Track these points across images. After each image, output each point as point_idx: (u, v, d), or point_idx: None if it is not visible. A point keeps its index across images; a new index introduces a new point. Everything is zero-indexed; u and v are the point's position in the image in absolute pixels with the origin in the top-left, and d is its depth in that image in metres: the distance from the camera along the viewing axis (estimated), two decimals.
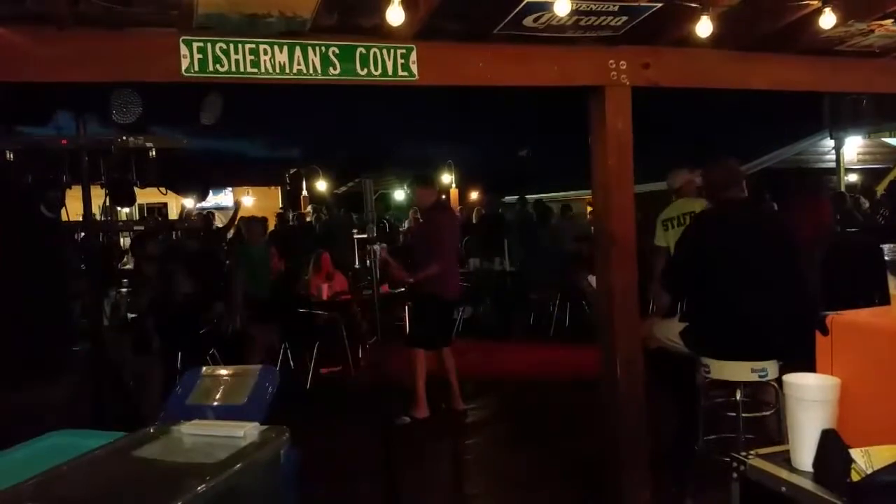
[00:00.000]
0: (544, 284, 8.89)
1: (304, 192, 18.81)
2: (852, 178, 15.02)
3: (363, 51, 3.29)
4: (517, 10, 3.17)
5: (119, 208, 6.87)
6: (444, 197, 6.28)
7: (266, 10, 2.93)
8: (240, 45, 3.10)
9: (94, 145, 4.35)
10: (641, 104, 3.81)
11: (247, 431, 1.78)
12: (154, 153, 4.56)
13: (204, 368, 2.84)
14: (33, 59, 2.90)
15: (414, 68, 3.37)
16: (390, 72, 3.34)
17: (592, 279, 4.45)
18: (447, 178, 19.66)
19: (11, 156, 4.13)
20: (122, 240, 10.31)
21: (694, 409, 3.62)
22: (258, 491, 1.71)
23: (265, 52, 3.13)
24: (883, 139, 14.76)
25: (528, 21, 3.29)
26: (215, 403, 2.57)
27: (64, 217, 4.16)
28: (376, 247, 3.42)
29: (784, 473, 1.59)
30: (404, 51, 3.35)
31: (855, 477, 1.41)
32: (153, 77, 3.31)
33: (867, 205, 10.00)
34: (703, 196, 4.61)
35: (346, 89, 3.42)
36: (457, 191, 19.95)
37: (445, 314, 5.72)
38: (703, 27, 3.37)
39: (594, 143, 3.86)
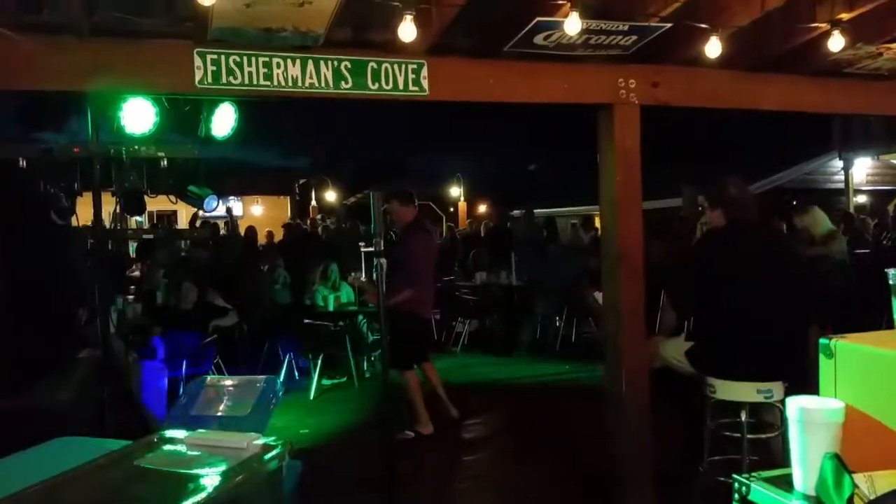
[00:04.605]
0: (551, 299, 8.88)
1: (313, 203, 18.90)
2: (861, 199, 14.98)
3: (375, 65, 3.32)
4: (528, 28, 3.20)
5: (129, 216, 6.92)
6: (421, 214, 6.02)
7: (280, 25, 2.97)
8: (253, 58, 3.14)
9: (105, 154, 4.39)
10: (650, 122, 3.83)
11: (249, 442, 1.79)
12: (165, 162, 4.60)
13: (208, 378, 2.85)
14: (50, 68, 2.95)
15: (425, 83, 3.40)
16: (401, 86, 3.37)
17: (599, 295, 4.45)
18: (456, 190, 19.74)
19: (24, 163, 4.18)
20: (130, 248, 10.37)
21: (699, 429, 3.60)
22: (259, 502, 1.72)
23: (278, 66, 3.17)
24: (892, 161, 14.74)
25: (538, 39, 3.31)
26: (219, 413, 2.58)
27: (74, 224, 4.20)
28: (383, 260, 3.42)
29: (786, 497, 1.58)
30: (415, 66, 3.38)
31: (858, 502, 1.41)
32: (167, 88, 3.36)
33: (872, 226, 9.95)
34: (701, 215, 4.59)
35: (358, 102, 3.45)
36: (465, 204, 20.03)
37: (421, 332, 5.67)
38: (713, 47, 3.38)
39: (602, 160, 3.87)
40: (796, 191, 13.25)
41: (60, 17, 2.83)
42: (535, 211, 12.59)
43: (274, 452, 1.77)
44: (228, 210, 13.79)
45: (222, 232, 13.09)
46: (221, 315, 6.62)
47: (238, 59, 3.11)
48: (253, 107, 4.78)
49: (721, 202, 3.64)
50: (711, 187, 3.75)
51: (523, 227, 11.07)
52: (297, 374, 7.36)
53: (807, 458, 1.56)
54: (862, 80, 4.17)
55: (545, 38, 3.32)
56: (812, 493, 1.54)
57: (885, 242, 8.24)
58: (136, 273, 8.84)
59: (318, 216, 17.36)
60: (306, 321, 7.13)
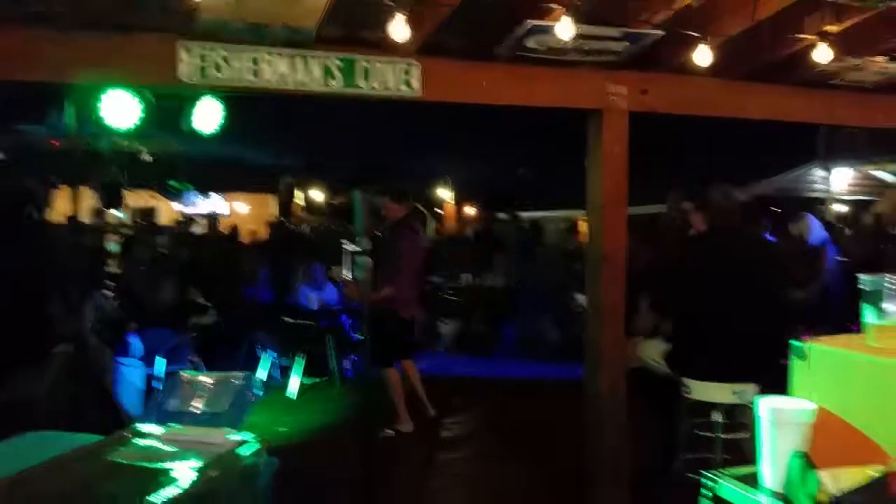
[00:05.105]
0: (535, 301, 8.90)
1: (299, 201, 18.79)
2: (842, 208, 15.16)
3: (366, 64, 3.30)
4: (521, 31, 3.20)
5: (108, 210, 6.83)
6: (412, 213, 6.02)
7: (270, 20, 2.94)
8: (241, 53, 3.10)
9: (86, 147, 4.33)
10: (639, 128, 3.84)
11: (225, 438, 1.77)
12: (147, 157, 4.54)
13: (185, 374, 2.82)
14: (33, 59, 2.91)
15: (416, 84, 3.38)
16: (392, 86, 3.35)
17: (582, 298, 4.46)
18: (445, 192, 19.75)
19: (1, 154, 4.11)
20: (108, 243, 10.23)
21: (674, 429, 3.64)
22: (234, 498, 1.69)
23: (266, 62, 3.13)
24: (872, 172, 14.95)
25: (531, 42, 3.32)
26: (195, 410, 2.55)
27: (50, 218, 4.14)
28: (367, 258, 3.41)
29: (754, 493, 1.61)
30: (407, 66, 3.36)
31: (823, 498, 1.44)
32: (152, 81, 3.32)
33: (850, 234, 10.07)
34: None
35: (348, 101, 3.43)
36: (453, 205, 20.02)
37: (403, 330, 5.64)
38: (702, 56, 3.40)
39: (590, 165, 3.88)
40: (778, 199, 13.38)
41: (45, 7, 2.78)
42: (522, 214, 12.61)
43: (249, 448, 1.75)
44: (211, 215, 13.69)
45: (196, 229, 12.95)
46: (201, 312, 6.55)
47: (225, 53, 3.07)
48: (240, 103, 4.73)
49: (703, 207, 3.69)
50: (697, 192, 3.80)
51: (509, 229, 11.09)
52: (277, 372, 7.30)
53: (776, 456, 1.59)
54: (846, 91, 4.21)
55: (537, 42, 3.32)
56: (779, 489, 1.56)
57: (851, 259, 8.35)
58: (115, 268, 8.74)
59: (304, 214, 17.28)
60: (288, 320, 7.08)
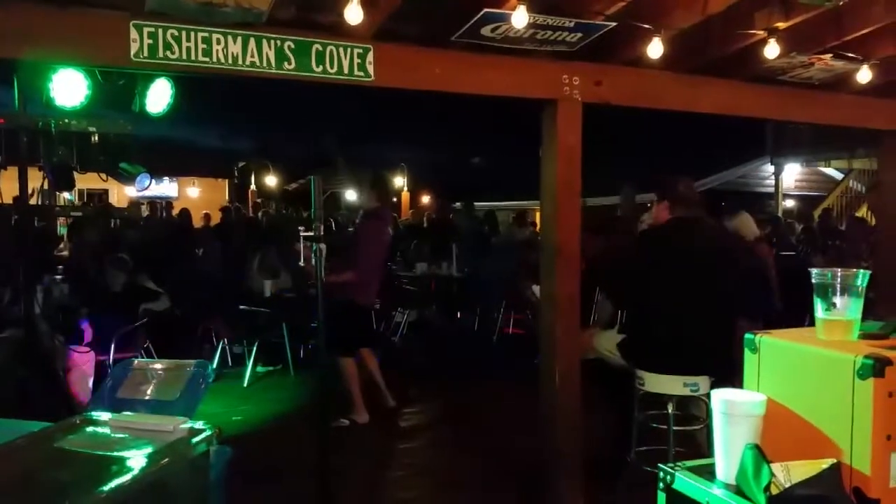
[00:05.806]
0: (490, 291, 8.96)
1: (253, 187, 18.52)
2: (789, 203, 15.67)
3: (319, 47, 3.26)
4: (476, 18, 3.20)
5: (58, 192, 6.62)
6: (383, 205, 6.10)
7: (222, 0, 2.88)
8: (192, 33, 3.02)
9: (33, 126, 4.18)
10: (594, 120, 3.88)
11: (176, 426, 1.74)
12: (96, 137, 4.41)
13: (136, 361, 2.77)
14: None
15: (370, 69, 3.36)
16: (346, 71, 3.32)
17: (537, 289, 4.51)
18: (400, 181, 19.68)
19: None
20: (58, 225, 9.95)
21: (629, 420, 3.70)
22: (185, 487, 1.68)
23: (218, 42, 3.06)
24: (819, 168, 15.46)
25: (485, 30, 3.32)
26: (146, 397, 2.51)
27: None
28: (322, 245, 3.38)
29: (708, 485, 1.64)
30: (361, 51, 3.33)
31: (774, 490, 1.47)
32: (101, 60, 3.21)
33: (799, 230, 10.41)
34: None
35: (302, 85, 3.38)
36: (408, 194, 19.97)
37: (361, 319, 5.68)
38: (655, 48, 3.46)
39: (545, 155, 3.91)
40: (729, 193, 13.75)
41: None
42: (477, 204, 12.67)
43: (201, 436, 1.73)
44: (161, 198, 13.39)
45: (147, 212, 12.69)
46: (153, 299, 6.41)
47: (176, 33, 3.00)
48: (193, 84, 4.62)
49: (668, 196, 3.75)
50: (661, 182, 3.86)
51: (464, 219, 11.11)
52: (230, 360, 7.21)
53: (729, 449, 1.62)
54: (794, 88, 4.33)
55: (492, 30, 3.32)
56: (732, 481, 1.60)
57: (800, 255, 8.66)
58: (65, 252, 8.49)
59: (259, 200, 17.03)
60: (243, 307, 6.99)
